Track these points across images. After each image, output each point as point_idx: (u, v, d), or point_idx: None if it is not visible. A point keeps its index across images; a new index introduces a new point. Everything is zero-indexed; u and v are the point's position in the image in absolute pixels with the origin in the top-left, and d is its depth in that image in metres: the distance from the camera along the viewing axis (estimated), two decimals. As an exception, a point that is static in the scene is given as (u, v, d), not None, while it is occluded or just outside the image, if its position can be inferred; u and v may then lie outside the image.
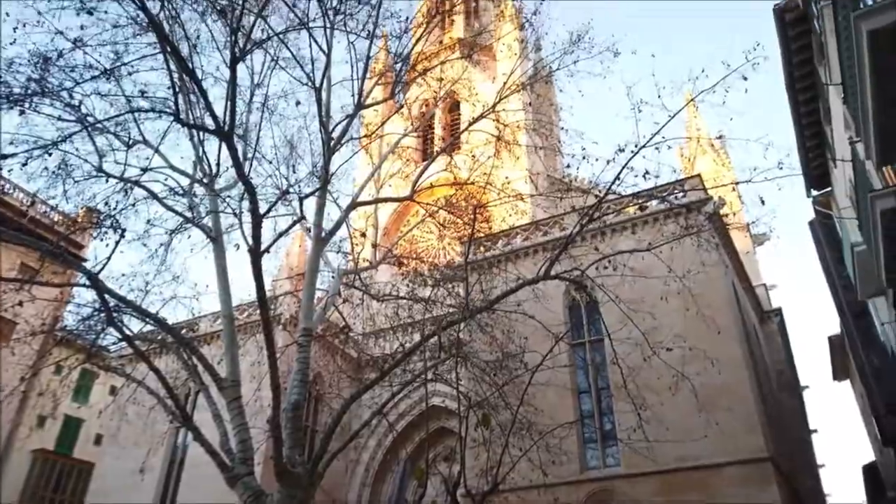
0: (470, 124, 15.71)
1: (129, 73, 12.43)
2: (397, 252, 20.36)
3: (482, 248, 23.18)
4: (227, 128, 9.50)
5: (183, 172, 14.04)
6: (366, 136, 15.96)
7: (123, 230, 11.62)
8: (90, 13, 10.29)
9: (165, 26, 9.93)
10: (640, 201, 20.76)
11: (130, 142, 13.45)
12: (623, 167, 11.49)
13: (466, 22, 42.65)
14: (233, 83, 9.27)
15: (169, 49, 9.20)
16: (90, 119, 12.65)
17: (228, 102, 9.52)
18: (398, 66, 15.55)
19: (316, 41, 12.20)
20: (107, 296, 11.84)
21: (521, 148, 17.20)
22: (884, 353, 16.31)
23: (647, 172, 10.74)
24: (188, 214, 14.16)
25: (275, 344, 10.75)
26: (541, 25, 13.50)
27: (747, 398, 18.21)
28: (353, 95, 13.82)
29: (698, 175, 20.77)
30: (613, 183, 11.60)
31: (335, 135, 13.80)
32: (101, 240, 11.74)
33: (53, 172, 13.06)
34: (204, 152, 13.86)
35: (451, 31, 40.19)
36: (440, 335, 13.28)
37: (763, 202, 12.12)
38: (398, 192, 20.65)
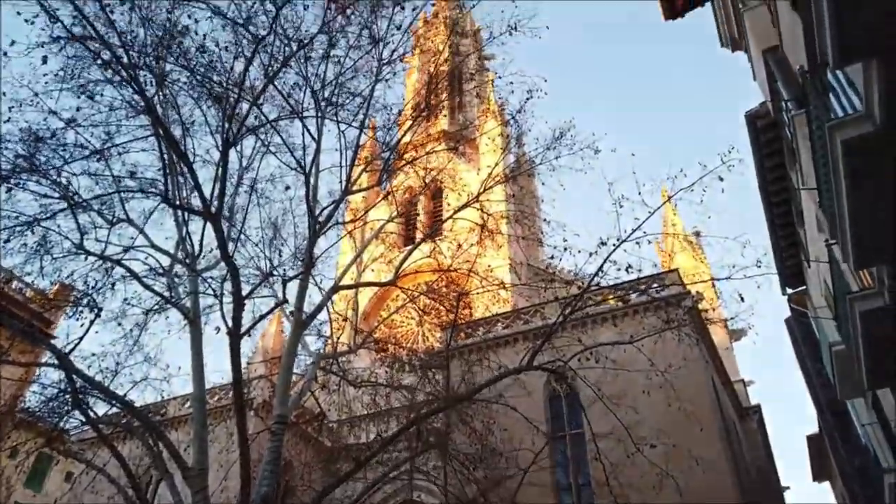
0: (454, 213, 15.97)
1: (119, 154, 12.56)
2: (377, 337, 20.12)
3: (462, 335, 22.98)
4: (214, 209, 9.51)
5: (165, 252, 13.94)
6: (351, 220, 16.10)
7: (100, 309, 11.36)
8: (91, 97, 10.49)
9: (159, 109, 10.15)
10: (620, 294, 20.99)
11: (114, 220, 13.42)
12: (605, 260, 11.72)
13: (451, 116, 44.19)
14: (224, 167, 9.40)
15: (161, 132, 9.34)
16: (76, 198, 12.69)
17: (217, 185, 9.64)
18: (386, 154, 15.97)
19: (308, 130, 12.53)
20: (74, 377, 11.44)
21: (503, 237, 17.47)
22: (865, 455, 16.09)
23: (629, 266, 10.92)
24: (167, 295, 13.99)
25: (247, 431, 10.36)
26: (524, 122, 14.04)
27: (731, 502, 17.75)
28: (340, 182, 14.08)
29: (676, 270, 21.11)
30: (596, 275, 11.76)
31: (321, 219, 13.95)
32: (77, 319, 11.40)
33: (33, 249, 12.91)
34: (188, 233, 13.84)
35: (437, 123, 41.60)
36: (419, 425, 12.93)
37: (742, 299, 12.42)
38: (380, 276, 20.67)
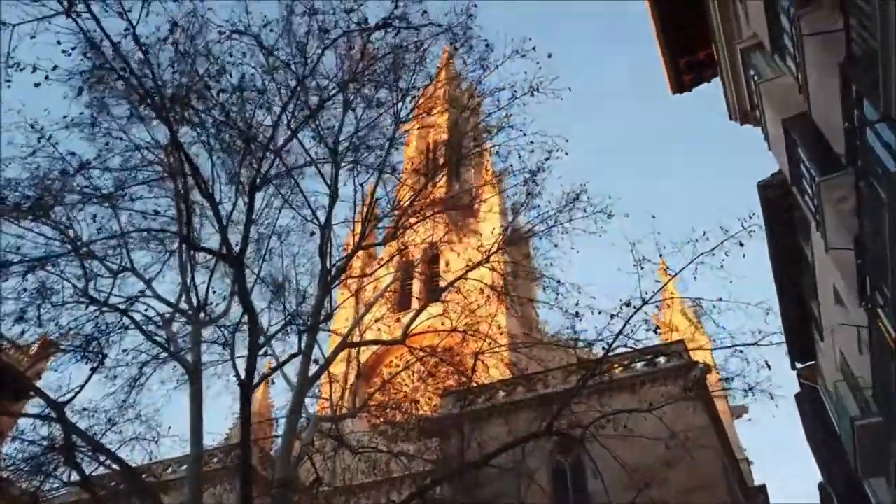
0: (463, 274, 15.72)
1: (132, 199, 12.36)
2: (377, 400, 19.42)
3: (464, 401, 22.28)
4: (237, 253, 9.23)
5: (168, 303, 13.50)
6: (362, 276, 15.77)
7: (104, 356, 10.84)
8: (108, 135, 10.38)
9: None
10: (626, 362, 20.63)
11: (119, 268, 13.06)
12: (626, 322, 11.48)
13: (449, 182, 44.65)
14: (249, 211, 9.18)
15: (190, 170, 9.15)
16: (79, 243, 12.39)
17: (225, 227, 9.40)
18: (393, 214, 15.90)
19: (325, 180, 12.43)
20: (69, 431, 10.77)
21: (508, 300, 17.19)
22: (884, 539, 15.42)
23: (657, 328, 10.63)
24: (167, 346, 13.48)
25: (252, 494, 9.70)
26: (537, 184, 13.99)
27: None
28: (354, 235, 13.88)
29: (682, 341, 20.80)
30: (618, 337, 11.49)
31: (332, 272, 13.65)
32: (85, 362, 10.84)
33: (32, 294, 12.46)
34: (193, 282, 13.46)
35: (435, 190, 41.94)
36: (425, 495, 12.26)
37: (769, 366, 12.10)
38: (380, 335, 20.26)
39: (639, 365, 20.54)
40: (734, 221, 12.90)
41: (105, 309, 12.75)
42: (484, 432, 16.12)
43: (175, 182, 10.01)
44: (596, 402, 19.12)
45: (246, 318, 10.23)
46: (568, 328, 13.36)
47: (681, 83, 17.52)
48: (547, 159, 13.17)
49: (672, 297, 28.54)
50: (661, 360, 21.38)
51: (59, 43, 8.49)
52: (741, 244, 11.48)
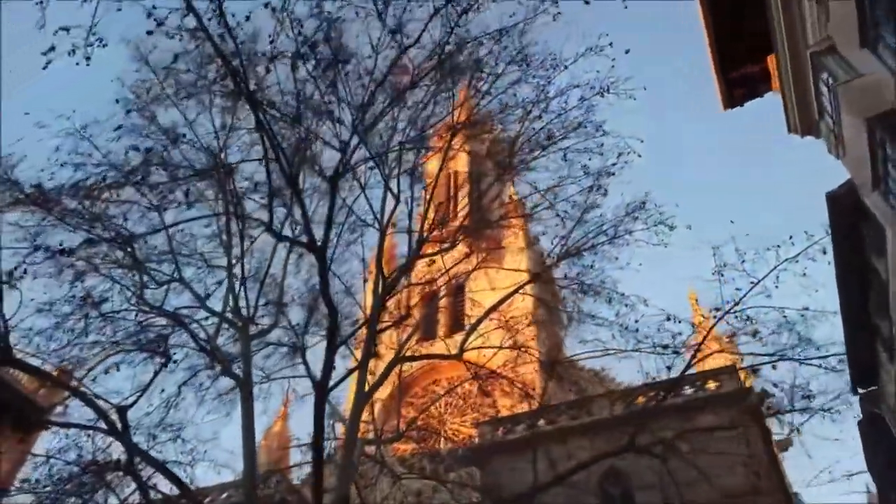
0: (510, 294, 15.08)
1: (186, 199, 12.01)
2: (420, 424, 18.61)
3: (502, 430, 21.37)
4: (320, 244, 8.74)
5: (215, 313, 12.97)
6: (422, 283, 15.14)
7: (168, 358, 10.31)
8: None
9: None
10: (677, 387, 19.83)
11: (168, 278, 12.64)
12: (707, 334, 10.86)
13: (472, 213, 44.32)
14: (332, 199, 8.71)
15: (275, 156, 8.71)
16: (133, 249, 12.04)
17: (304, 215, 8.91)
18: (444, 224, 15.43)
19: (388, 185, 12.00)
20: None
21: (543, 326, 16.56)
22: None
23: (756, 332, 10.02)
24: (207, 361, 12.89)
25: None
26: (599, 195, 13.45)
27: None
28: (410, 245, 13.37)
29: (734, 365, 20.02)
30: (699, 347, 10.86)
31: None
32: (152, 360, 10.24)
33: (78, 303, 12.00)
34: (245, 295, 12.97)
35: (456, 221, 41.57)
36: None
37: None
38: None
39: (688, 390, 19.72)
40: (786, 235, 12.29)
41: (152, 316, 12.23)
42: (551, 453, 15.21)
43: (267, 166, 9.56)
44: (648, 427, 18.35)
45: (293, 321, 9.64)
46: (634, 341, 12.64)
47: (733, 99, 17.21)
48: (614, 164, 12.69)
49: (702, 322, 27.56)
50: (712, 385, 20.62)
51: (154, 8, 8.15)
52: (824, 251, 10.91)
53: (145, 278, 12.81)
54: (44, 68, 8.13)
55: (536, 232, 14.53)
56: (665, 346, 11.42)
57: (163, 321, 12.37)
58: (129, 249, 11.22)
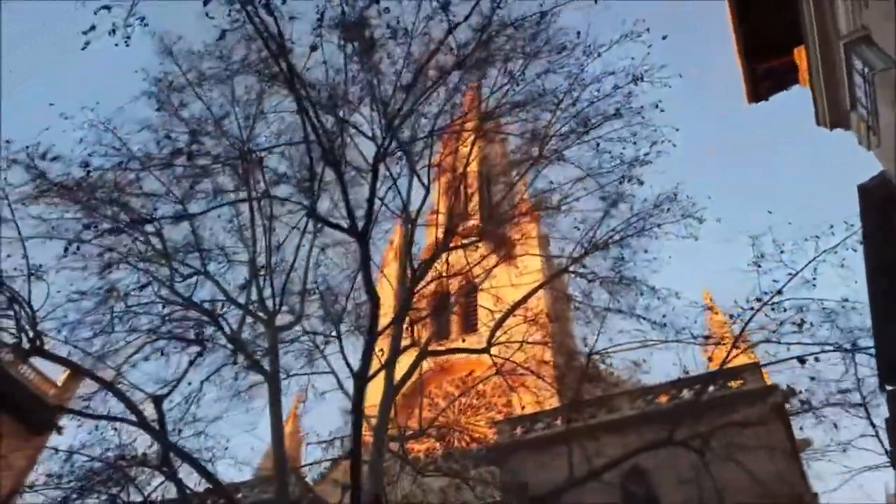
0: (533, 292, 14.80)
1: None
2: (442, 422, 18.40)
3: (521, 429, 21.13)
4: (362, 229, 8.57)
5: (241, 306, 12.82)
6: (452, 275, 14.94)
7: (204, 347, 10.18)
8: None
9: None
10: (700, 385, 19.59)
11: (194, 272, 12.51)
12: (747, 323, 10.66)
13: (482, 212, 44.12)
14: (373, 182, 8.55)
15: (315, 136, 8.55)
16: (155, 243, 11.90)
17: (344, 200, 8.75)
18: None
19: (418, 176, 11.83)
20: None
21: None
22: None
23: (802, 322, 9.80)
24: (230, 356, 12.74)
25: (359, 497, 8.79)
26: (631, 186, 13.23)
27: None
28: (436, 237, 13.20)
29: (756, 363, 19.74)
30: (735, 344, 10.66)
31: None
32: (189, 348, 10.12)
33: (102, 295, 11.89)
34: (272, 288, 12.83)
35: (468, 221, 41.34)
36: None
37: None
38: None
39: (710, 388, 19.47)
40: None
41: (178, 309, 12.09)
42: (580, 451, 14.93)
43: (309, 150, 9.41)
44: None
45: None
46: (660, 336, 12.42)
47: (757, 92, 17.02)
48: (646, 153, 12.45)
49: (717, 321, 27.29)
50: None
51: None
52: (862, 242, 10.69)
53: (164, 273, 12.69)
54: (83, 49, 8.01)
55: (560, 226, 14.19)
56: (707, 337, 11.17)
57: (189, 314, 12.24)
58: (156, 237, 11.06)
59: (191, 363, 10.61)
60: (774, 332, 10.37)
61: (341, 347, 10.89)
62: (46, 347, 10.42)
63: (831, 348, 10.54)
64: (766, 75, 16.70)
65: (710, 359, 17.30)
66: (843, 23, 13.35)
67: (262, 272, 12.74)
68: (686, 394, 19.54)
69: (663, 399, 19.77)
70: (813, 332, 10.65)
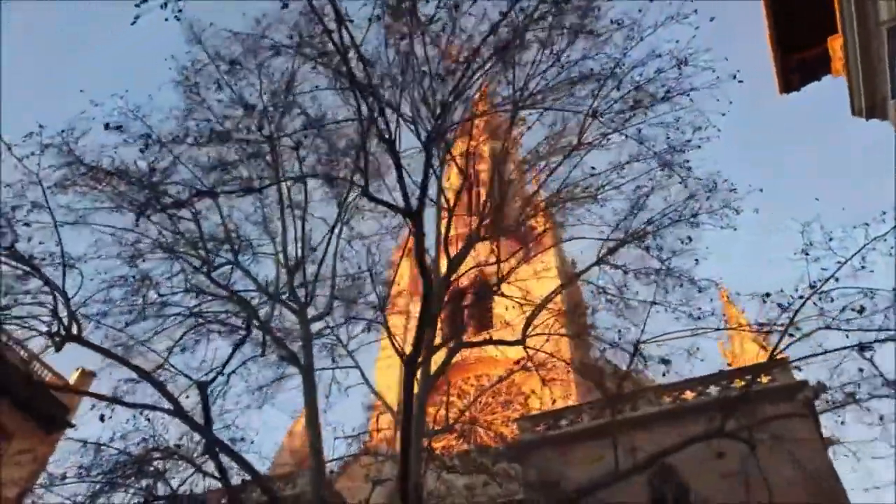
0: (571, 280, 14.56)
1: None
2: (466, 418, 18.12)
3: (542, 425, 20.85)
4: (415, 209, 8.34)
5: (272, 296, 12.59)
6: (489, 263, 14.51)
7: (249, 331, 9.96)
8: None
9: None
10: (727, 381, 19.34)
11: (225, 262, 12.32)
12: (797, 311, 10.39)
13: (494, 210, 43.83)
14: (427, 161, 8.30)
15: (374, 112, 8.29)
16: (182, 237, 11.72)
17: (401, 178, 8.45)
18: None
19: (457, 164, 11.55)
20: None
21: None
22: None
23: (862, 308, 9.51)
24: (258, 347, 12.51)
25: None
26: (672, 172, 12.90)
27: None
28: (470, 226, 12.96)
29: (786, 358, 19.45)
30: (791, 323, 10.40)
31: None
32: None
33: (133, 284, 11.69)
34: (304, 278, 12.61)
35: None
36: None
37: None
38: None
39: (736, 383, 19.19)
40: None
41: (208, 299, 11.87)
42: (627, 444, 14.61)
43: (362, 128, 9.14)
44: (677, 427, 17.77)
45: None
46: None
47: (790, 83, 16.74)
48: (688, 140, 12.14)
49: (740, 326, 26.98)
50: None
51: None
52: (897, 228, 10.41)
53: (198, 262, 12.48)
54: (132, 23, 7.80)
55: (588, 218, 13.86)
56: (761, 324, 10.90)
57: (222, 304, 12.04)
58: (193, 222, 10.85)
59: (234, 349, 10.44)
60: (834, 319, 10.07)
61: (389, 334, 10.62)
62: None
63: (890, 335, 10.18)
64: (798, 66, 16.43)
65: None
66: (884, 8, 13.10)
67: (293, 263, 12.52)
68: (713, 389, 19.31)
69: (689, 395, 19.53)
70: (870, 321, 10.33)
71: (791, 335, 11.03)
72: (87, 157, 10.80)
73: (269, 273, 13.20)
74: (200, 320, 11.46)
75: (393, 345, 10.09)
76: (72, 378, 29.74)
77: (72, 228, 10.69)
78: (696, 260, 12.79)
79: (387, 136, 8.44)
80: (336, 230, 13.16)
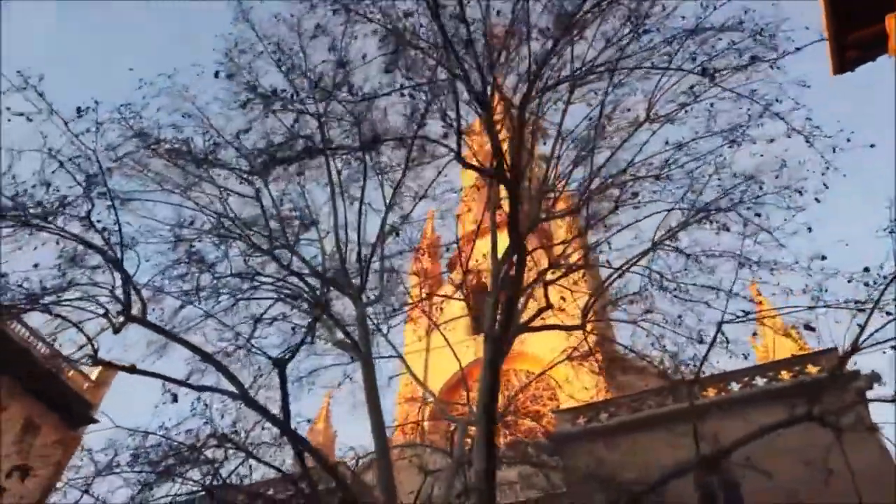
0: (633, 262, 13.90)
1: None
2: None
3: (582, 418, 20.42)
4: (509, 175, 7.92)
5: (330, 281, 12.20)
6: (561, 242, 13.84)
7: (323, 309, 9.60)
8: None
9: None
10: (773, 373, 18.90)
11: (278, 245, 11.97)
12: (878, 301, 9.96)
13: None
14: (520, 124, 7.88)
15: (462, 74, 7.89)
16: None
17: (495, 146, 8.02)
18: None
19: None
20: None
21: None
22: None
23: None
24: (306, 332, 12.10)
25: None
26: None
27: None
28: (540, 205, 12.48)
29: (835, 348, 18.97)
30: (872, 313, 9.94)
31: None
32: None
33: (184, 261, 11.37)
34: (360, 262, 12.24)
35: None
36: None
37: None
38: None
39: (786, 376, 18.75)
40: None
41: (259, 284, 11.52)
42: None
43: (455, 88, 8.72)
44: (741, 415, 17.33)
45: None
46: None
47: (843, 63, 16.33)
48: (760, 115, 11.63)
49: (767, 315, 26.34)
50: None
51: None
52: None
53: (245, 246, 12.16)
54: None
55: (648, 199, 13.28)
56: (857, 302, 10.42)
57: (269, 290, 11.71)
58: (255, 200, 10.58)
59: (310, 326, 10.06)
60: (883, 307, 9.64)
61: (472, 310, 10.24)
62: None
63: None
64: (853, 45, 15.99)
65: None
66: (954, -18, 12.67)
67: (346, 247, 12.18)
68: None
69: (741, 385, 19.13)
70: None
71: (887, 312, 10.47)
72: (144, 137, 10.48)
73: (318, 258, 12.75)
74: (279, 296, 11.12)
75: (474, 320, 9.66)
76: (93, 373, 29.66)
77: (122, 209, 10.35)
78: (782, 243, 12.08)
79: (482, 98, 8.00)
80: (375, 216, 12.85)
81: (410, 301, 16.79)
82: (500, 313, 10.29)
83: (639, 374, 20.64)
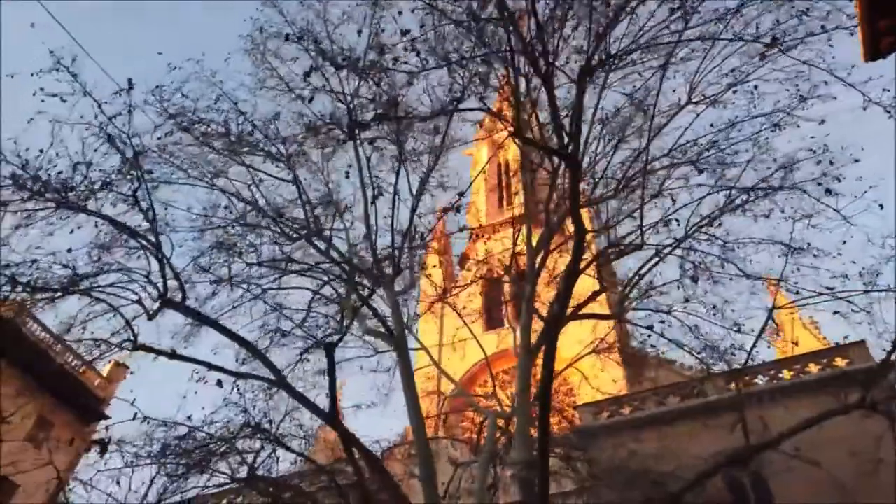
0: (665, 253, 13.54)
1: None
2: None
3: (605, 412, 20.15)
4: (569, 151, 7.63)
5: (358, 269, 11.92)
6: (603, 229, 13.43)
7: (373, 291, 9.34)
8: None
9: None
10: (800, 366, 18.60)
11: (308, 233, 11.69)
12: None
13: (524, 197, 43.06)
14: (579, 97, 7.58)
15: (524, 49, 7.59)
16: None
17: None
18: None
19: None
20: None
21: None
22: None
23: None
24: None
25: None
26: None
27: None
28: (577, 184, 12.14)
29: (863, 341, 18.66)
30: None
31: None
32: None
33: (214, 246, 11.14)
34: (392, 249, 11.96)
35: (511, 207, 40.28)
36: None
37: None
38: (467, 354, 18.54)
39: (814, 368, 18.45)
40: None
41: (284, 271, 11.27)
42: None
43: (513, 61, 8.40)
44: (782, 405, 17.03)
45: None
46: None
47: (876, 49, 16.02)
48: (802, 100, 11.32)
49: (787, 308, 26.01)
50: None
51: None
52: None
53: (277, 233, 11.92)
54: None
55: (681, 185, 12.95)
56: None
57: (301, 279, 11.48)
58: (293, 184, 10.34)
59: (355, 311, 9.80)
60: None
61: (527, 297, 9.91)
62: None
63: None
64: (887, 31, 15.68)
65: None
66: None
67: (376, 234, 11.91)
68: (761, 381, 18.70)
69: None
70: None
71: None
72: (179, 118, 10.25)
73: (343, 247, 12.46)
74: (328, 278, 10.85)
75: (536, 312, 9.35)
76: (105, 370, 29.55)
77: (155, 195, 10.09)
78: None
79: (543, 70, 7.69)
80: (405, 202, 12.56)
81: (436, 290, 16.56)
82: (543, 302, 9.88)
83: (665, 368, 20.37)
